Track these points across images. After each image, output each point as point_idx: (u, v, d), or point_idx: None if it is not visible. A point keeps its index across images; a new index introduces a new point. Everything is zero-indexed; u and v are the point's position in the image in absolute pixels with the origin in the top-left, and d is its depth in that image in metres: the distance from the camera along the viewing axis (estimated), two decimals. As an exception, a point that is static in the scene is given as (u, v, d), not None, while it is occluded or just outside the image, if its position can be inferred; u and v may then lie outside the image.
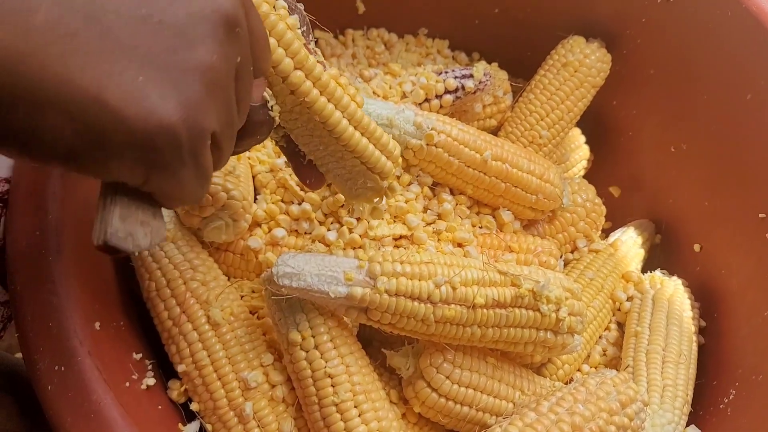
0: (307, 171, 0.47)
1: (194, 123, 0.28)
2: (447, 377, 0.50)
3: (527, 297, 0.49)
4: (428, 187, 0.60)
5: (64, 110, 0.25)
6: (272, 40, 0.38)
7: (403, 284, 0.46)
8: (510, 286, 0.49)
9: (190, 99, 0.27)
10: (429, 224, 0.58)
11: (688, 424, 0.55)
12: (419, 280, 0.46)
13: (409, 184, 0.59)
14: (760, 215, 0.59)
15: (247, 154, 0.58)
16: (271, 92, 0.39)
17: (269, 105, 0.38)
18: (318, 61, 0.41)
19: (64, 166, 0.28)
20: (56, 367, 0.42)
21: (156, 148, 0.27)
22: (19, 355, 0.59)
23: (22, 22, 0.24)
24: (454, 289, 0.47)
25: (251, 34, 0.31)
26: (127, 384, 0.46)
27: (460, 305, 0.47)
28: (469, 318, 0.48)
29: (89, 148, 0.27)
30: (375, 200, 0.51)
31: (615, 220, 0.74)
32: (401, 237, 0.56)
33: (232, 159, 0.55)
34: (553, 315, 0.49)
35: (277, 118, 0.39)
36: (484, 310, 0.48)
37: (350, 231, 0.55)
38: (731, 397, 0.55)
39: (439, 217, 0.59)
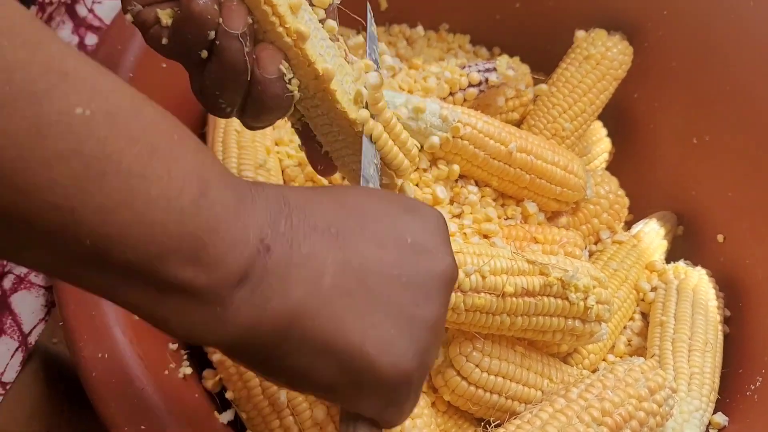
0: (320, 158, 0.48)
1: (424, 367, 0.33)
2: (476, 365, 0.51)
3: (555, 285, 0.49)
4: (454, 179, 0.60)
5: (335, 357, 0.30)
6: (302, 27, 0.38)
7: None
8: (538, 275, 0.49)
9: (425, 348, 0.32)
10: (455, 216, 0.59)
11: (715, 412, 0.56)
12: None
13: (436, 178, 0.59)
14: (785, 205, 0.60)
15: (276, 148, 0.60)
16: (287, 65, 0.38)
17: (286, 78, 0.38)
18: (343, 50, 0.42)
19: (318, 396, 0.33)
20: (99, 355, 0.44)
21: (396, 390, 0.32)
22: (54, 340, 0.61)
23: (314, 283, 0.29)
24: (483, 278, 0.47)
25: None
26: (166, 372, 0.48)
27: (490, 294, 0.48)
28: (499, 306, 0.49)
29: (347, 387, 0.31)
30: None
31: (637, 212, 0.74)
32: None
33: (263, 153, 0.56)
34: (581, 303, 0.50)
35: (296, 93, 0.39)
36: (514, 299, 0.49)
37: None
38: (758, 384, 0.55)
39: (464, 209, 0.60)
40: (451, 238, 0.56)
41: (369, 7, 0.48)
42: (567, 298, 0.50)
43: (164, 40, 0.36)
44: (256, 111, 0.39)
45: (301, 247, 0.29)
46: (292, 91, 0.39)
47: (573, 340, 0.53)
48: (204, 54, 0.36)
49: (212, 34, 0.35)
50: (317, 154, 0.47)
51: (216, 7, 0.35)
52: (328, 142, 0.45)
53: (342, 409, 0.35)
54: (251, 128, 0.43)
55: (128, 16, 0.37)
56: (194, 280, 0.26)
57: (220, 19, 0.35)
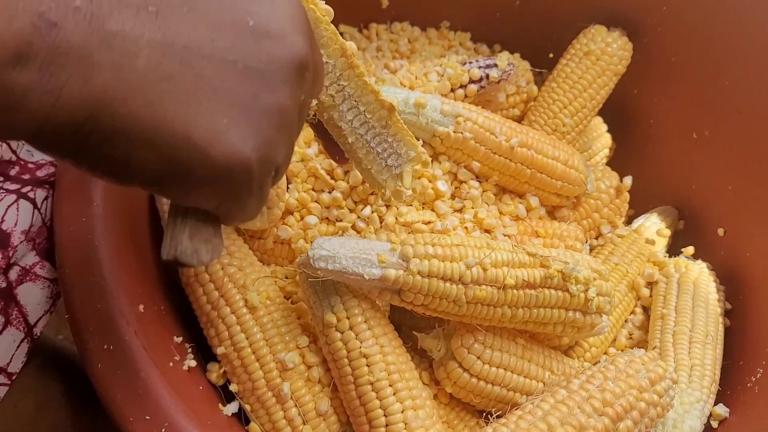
0: (337, 148, 0.49)
1: (266, 160, 0.31)
2: (478, 357, 0.51)
3: (556, 278, 0.50)
4: (455, 173, 0.61)
5: (156, 146, 0.28)
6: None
7: (435, 266, 0.47)
8: (539, 267, 0.50)
9: (265, 139, 0.30)
10: (457, 210, 0.60)
11: (716, 403, 0.56)
12: (451, 262, 0.48)
13: (443, 173, 0.60)
14: (785, 198, 0.60)
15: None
16: None
17: None
18: None
19: (146, 189, 0.30)
20: (105, 346, 0.44)
21: (232, 182, 0.30)
22: (60, 336, 0.61)
23: (124, 66, 0.26)
24: (484, 270, 0.48)
25: (314, 72, 0.34)
26: (171, 364, 0.48)
27: (491, 286, 0.48)
28: (500, 298, 0.49)
29: (174, 179, 0.29)
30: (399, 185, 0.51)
31: (638, 207, 0.75)
32: (429, 223, 0.58)
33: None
34: (582, 295, 0.51)
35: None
36: (515, 291, 0.49)
37: (381, 219, 0.57)
38: (758, 375, 0.55)
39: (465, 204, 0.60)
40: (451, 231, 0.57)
41: None
42: (568, 290, 0.50)
43: None
44: None
45: (104, 24, 0.26)
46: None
47: (574, 332, 0.54)
48: None
49: None
50: (334, 144, 0.48)
51: None
52: (344, 135, 0.47)
53: (172, 204, 0.33)
54: None
55: None
56: None
57: None
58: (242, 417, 0.51)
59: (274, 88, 0.30)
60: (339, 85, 0.43)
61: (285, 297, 0.55)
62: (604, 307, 0.52)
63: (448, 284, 0.47)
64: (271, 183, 0.33)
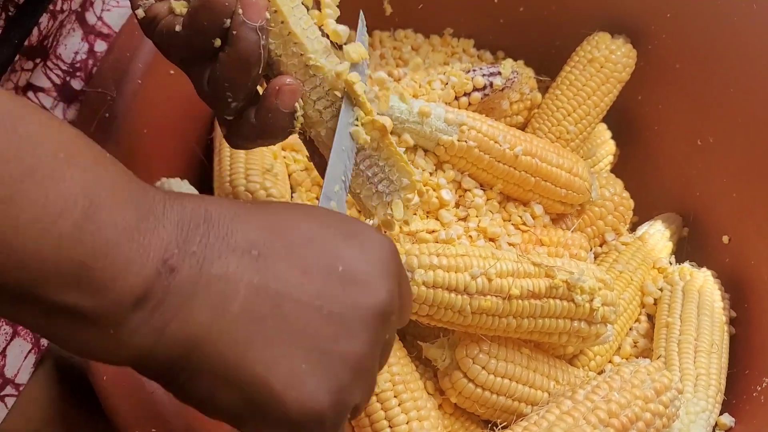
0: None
1: (340, 405, 0.31)
2: (483, 367, 0.51)
3: (561, 288, 0.50)
4: (459, 182, 0.61)
5: (237, 387, 0.29)
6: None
7: (440, 276, 0.47)
8: (544, 277, 0.50)
9: (341, 385, 0.30)
10: (461, 219, 0.60)
11: (721, 413, 0.56)
12: (455, 272, 0.48)
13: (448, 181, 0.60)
14: (790, 206, 0.60)
15: (282, 153, 0.60)
16: (302, 102, 0.39)
17: (297, 115, 0.39)
18: None
19: (228, 423, 0.31)
20: (111, 358, 0.44)
21: (305, 429, 0.30)
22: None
23: (221, 308, 0.28)
24: (489, 280, 0.48)
25: (400, 313, 0.34)
26: (176, 375, 0.48)
27: (496, 296, 0.48)
28: (505, 309, 0.49)
29: (252, 418, 0.30)
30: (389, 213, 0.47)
31: (642, 214, 0.74)
32: (434, 232, 0.58)
33: (270, 158, 0.57)
34: (587, 305, 0.51)
35: (298, 128, 0.40)
36: (520, 301, 0.49)
37: (384, 232, 0.57)
38: (764, 385, 0.55)
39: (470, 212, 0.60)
40: (444, 248, 0.55)
41: (362, 15, 0.47)
42: (573, 300, 0.50)
43: (178, 27, 0.36)
44: (255, 134, 0.39)
45: (212, 267, 0.28)
46: (295, 126, 0.39)
47: (579, 341, 0.54)
48: (217, 42, 0.36)
49: (227, 22, 0.35)
50: (325, 163, 0.47)
51: None
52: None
53: None
54: (238, 147, 0.42)
55: (140, 11, 0.38)
56: (79, 304, 0.25)
57: (240, 11, 0.35)
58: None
59: (355, 334, 0.30)
60: (327, 100, 0.40)
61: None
62: (609, 316, 0.52)
63: (453, 295, 0.47)
64: (348, 420, 0.34)
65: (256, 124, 0.39)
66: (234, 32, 0.35)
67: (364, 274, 0.31)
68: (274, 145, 0.42)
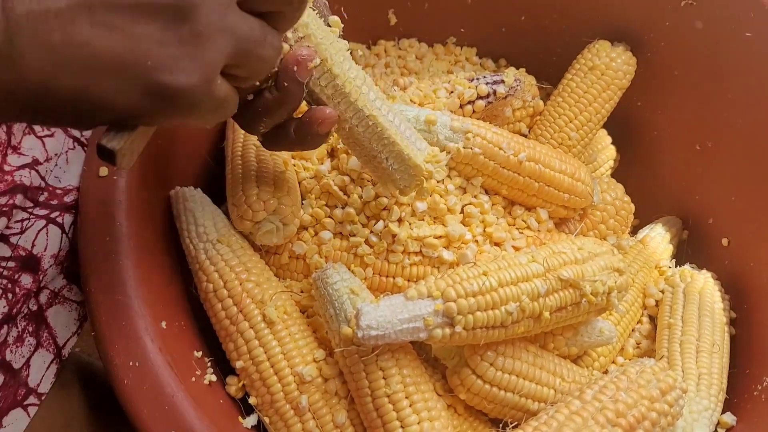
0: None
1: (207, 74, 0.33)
2: (491, 364, 0.52)
3: (586, 297, 0.51)
4: (464, 188, 0.62)
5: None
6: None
7: (480, 318, 0.48)
8: (569, 289, 0.51)
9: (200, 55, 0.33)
10: (467, 225, 0.61)
11: (723, 412, 0.57)
12: (492, 309, 0.49)
13: (456, 187, 0.61)
14: (787, 208, 0.61)
15: (292, 161, 0.61)
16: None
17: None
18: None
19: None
20: (131, 363, 0.45)
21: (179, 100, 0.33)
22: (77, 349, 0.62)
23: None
24: (523, 310, 0.49)
25: None
26: (193, 379, 0.49)
27: (528, 319, 0.50)
28: (535, 327, 0.51)
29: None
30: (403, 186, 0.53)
31: (642, 218, 0.76)
32: (441, 237, 0.59)
33: (281, 166, 0.58)
34: (604, 299, 0.52)
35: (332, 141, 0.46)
36: (547, 315, 0.50)
37: (393, 237, 0.58)
38: (765, 383, 0.57)
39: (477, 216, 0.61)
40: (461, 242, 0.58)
41: None
42: (591, 301, 0.52)
43: None
44: (290, 145, 0.45)
45: (15, 6, 0.29)
46: (329, 141, 0.45)
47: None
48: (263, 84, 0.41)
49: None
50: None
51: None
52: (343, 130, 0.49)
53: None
54: (272, 150, 0.48)
55: None
56: None
57: (295, 68, 0.41)
58: (261, 429, 0.53)
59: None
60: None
61: (300, 311, 0.56)
62: (619, 304, 0.55)
63: (490, 331, 0.49)
64: (224, 84, 0.35)
65: (295, 139, 0.43)
66: (285, 84, 0.41)
67: None
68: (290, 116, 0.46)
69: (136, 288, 0.48)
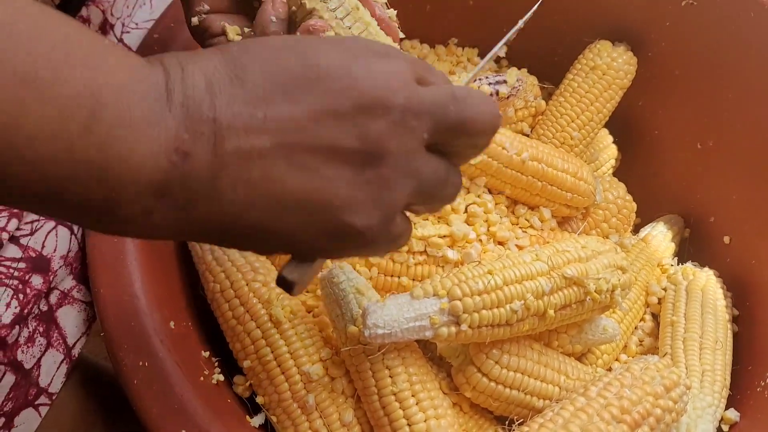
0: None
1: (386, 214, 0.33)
2: (496, 362, 0.52)
3: (590, 295, 0.52)
4: (467, 188, 0.63)
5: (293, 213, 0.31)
6: None
7: (485, 316, 0.48)
8: (573, 287, 0.51)
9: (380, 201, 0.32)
10: (471, 224, 0.61)
11: (726, 408, 0.57)
12: (498, 308, 0.49)
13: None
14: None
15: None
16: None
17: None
18: None
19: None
20: (140, 363, 0.46)
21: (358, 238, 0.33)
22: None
23: (242, 180, 0.30)
24: (528, 308, 0.49)
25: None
26: (202, 379, 0.50)
27: (533, 316, 0.50)
28: (540, 325, 0.51)
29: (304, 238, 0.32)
30: None
31: (644, 216, 0.76)
32: (446, 236, 0.59)
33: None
34: (608, 297, 0.53)
35: None
36: (551, 313, 0.51)
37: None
38: (767, 380, 0.57)
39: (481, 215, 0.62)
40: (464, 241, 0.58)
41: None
42: (595, 299, 0.52)
43: None
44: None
45: (225, 143, 0.28)
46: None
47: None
48: None
49: None
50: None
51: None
52: None
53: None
54: None
55: (194, 20, 0.40)
56: (107, 199, 0.27)
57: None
58: (268, 428, 0.53)
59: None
60: None
61: (307, 311, 0.57)
62: (622, 302, 0.55)
63: (496, 330, 0.49)
64: (400, 221, 0.35)
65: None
66: None
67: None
68: None
69: (145, 288, 0.48)
